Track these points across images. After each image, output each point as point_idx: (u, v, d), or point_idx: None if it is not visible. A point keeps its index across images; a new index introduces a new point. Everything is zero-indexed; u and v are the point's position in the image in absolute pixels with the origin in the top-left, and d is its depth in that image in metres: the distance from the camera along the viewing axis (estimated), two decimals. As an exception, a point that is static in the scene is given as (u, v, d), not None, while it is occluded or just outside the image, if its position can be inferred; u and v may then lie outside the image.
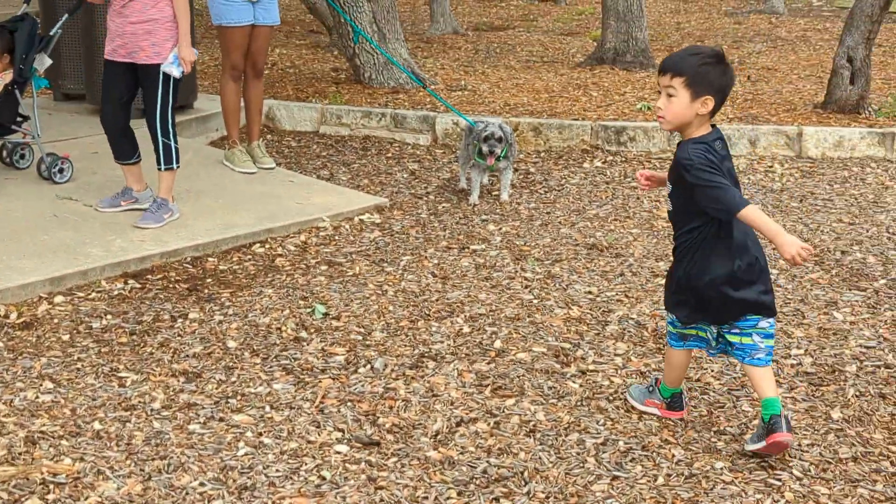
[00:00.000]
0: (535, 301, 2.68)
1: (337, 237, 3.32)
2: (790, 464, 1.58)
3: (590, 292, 2.72)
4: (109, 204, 3.18)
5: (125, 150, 3.15)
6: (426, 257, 3.13)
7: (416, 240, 3.33)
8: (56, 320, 2.46)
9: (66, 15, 3.46)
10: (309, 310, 2.58)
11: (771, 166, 4.28)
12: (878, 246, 3.21)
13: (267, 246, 3.16)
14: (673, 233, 1.80)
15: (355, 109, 4.86)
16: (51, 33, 3.53)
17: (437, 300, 2.69)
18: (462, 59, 6.93)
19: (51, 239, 2.98)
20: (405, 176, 4.28)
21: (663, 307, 1.89)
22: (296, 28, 8.50)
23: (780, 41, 8.04)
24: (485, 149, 3.46)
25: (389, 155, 4.68)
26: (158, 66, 2.91)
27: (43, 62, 3.49)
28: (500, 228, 3.47)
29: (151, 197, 3.18)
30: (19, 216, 3.21)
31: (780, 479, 1.53)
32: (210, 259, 3.01)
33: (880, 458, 1.62)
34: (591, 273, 2.91)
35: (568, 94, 5.51)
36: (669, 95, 1.59)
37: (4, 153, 3.71)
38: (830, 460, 1.60)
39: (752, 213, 1.50)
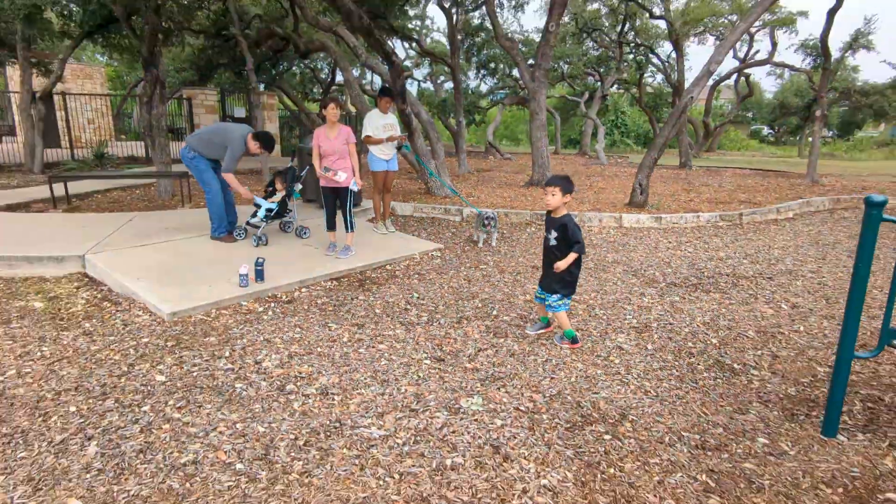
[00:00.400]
0: (510, 291, 4.76)
1: (421, 262, 5.71)
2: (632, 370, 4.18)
3: (534, 288, 4.92)
4: (329, 250, 5.64)
5: (332, 224, 5.70)
6: (461, 272, 5.38)
7: (456, 263, 5.67)
8: (302, 299, 4.50)
9: (308, 167, 6.25)
10: (410, 295, 4.66)
11: (608, 230, 7.37)
12: (660, 267, 5.62)
13: (391, 266, 5.54)
14: (549, 254, 3.56)
15: (427, 205, 8.08)
16: (301, 174, 6.20)
17: (465, 291, 4.75)
18: (472, 183, 11.23)
19: (301, 263, 5.26)
20: (449, 234, 7.02)
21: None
22: (402, 169, 13.41)
23: (605, 176, 13.65)
24: (485, 222, 6.23)
25: (443, 225, 7.51)
26: (348, 188, 5.51)
27: (298, 187, 6.14)
28: (493, 258, 5.87)
29: (344, 246, 5.56)
30: (287, 252, 5.55)
31: (627, 380, 3.75)
32: (368, 272, 5.33)
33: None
34: (534, 279, 5.15)
35: (518, 199, 9.07)
36: (553, 195, 3.39)
37: (281, 225, 6.34)
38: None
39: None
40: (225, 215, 5.86)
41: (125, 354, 3.53)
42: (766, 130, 40.74)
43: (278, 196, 5.99)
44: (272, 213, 5.84)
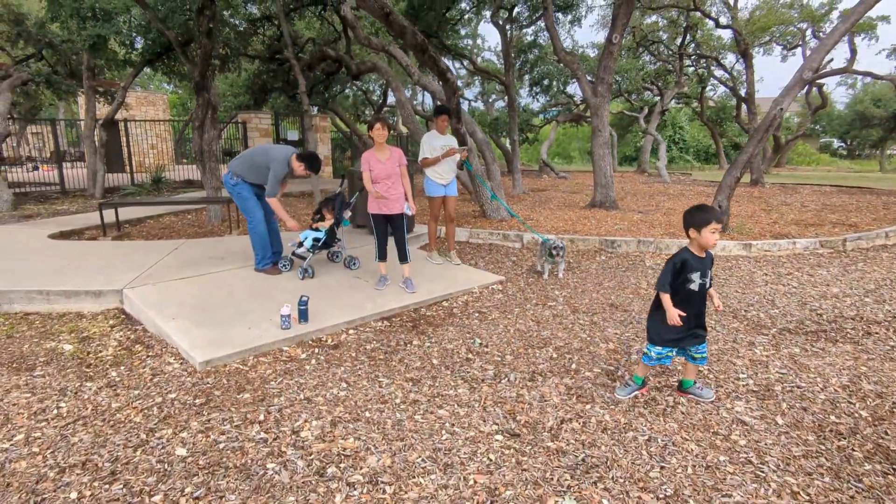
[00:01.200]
0: (588, 338, 4.04)
1: (481, 297, 5.09)
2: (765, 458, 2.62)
3: (616, 333, 4.16)
4: (379, 284, 5.06)
5: (384, 254, 5.11)
6: (527, 309, 4.71)
7: (520, 298, 5.01)
8: (349, 343, 3.93)
9: (357, 192, 5.72)
10: (471, 341, 3.98)
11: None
12: (763, 306, 4.76)
13: (447, 303, 4.92)
14: (699, 300, 2.89)
15: (483, 230, 7.45)
16: (350, 201, 5.63)
17: (535, 336, 4.06)
18: (529, 204, 10.51)
19: (349, 299, 4.74)
20: (510, 263, 6.35)
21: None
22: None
23: (671, 195, 12.56)
24: (552, 252, 5.51)
25: (502, 253, 6.87)
26: (402, 213, 4.98)
27: (347, 214, 5.56)
28: (562, 293, 5.17)
29: (405, 279, 5.05)
30: (334, 285, 5.04)
31: (763, 472, 2.49)
32: (422, 309, 4.74)
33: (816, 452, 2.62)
34: (614, 321, 4.43)
35: (581, 221, 8.25)
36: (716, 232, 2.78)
37: (330, 254, 5.86)
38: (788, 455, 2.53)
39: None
40: (269, 245, 5.39)
41: (147, 415, 3.02)
42: (836, 143, 38.11)
43: (326, 224, 5.46)
44: (319, 243, 5.31)
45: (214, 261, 5.82)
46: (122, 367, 3.66)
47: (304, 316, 4.18)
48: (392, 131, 24.68)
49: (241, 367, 3.64)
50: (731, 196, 7.34)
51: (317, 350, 3.93)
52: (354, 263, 5.70)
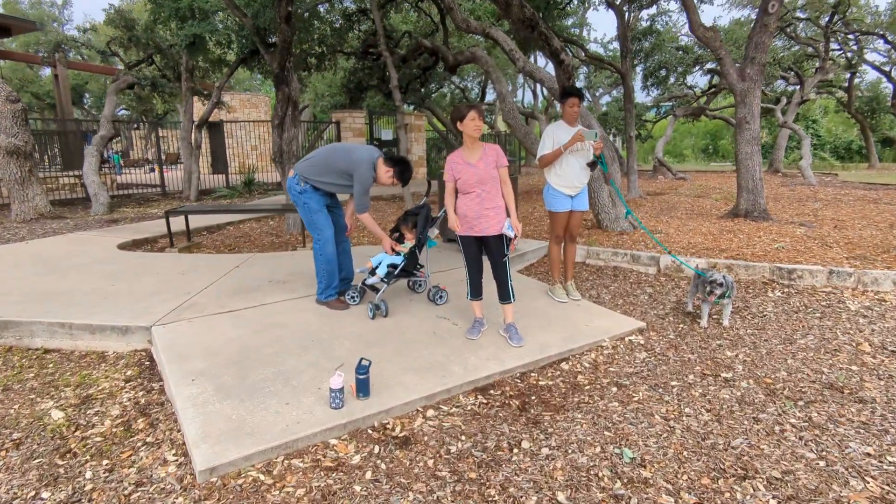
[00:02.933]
0: (822, 464, 2.37)
1: (616, 356, 3.50)
2: None
3: (868, 454, 2.42)
4: (473, 332, 3.66)
5: (479, 290, 3.72)
6: (690, 384, 3.11)
7: (675, 363, 3.40)
8: (426, 437, 2.62)
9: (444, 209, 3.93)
10: (615, 448, 2.50)
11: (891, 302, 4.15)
12: None
13: (569, 363, 3.40)
14: None
15: (605, 249, 5.75)
16: (438, 215, 4.24)
17: (722, 449, 2.47)
18: (650, 211, 8.55)
19: (430, 354, 3.33)
20: (645, 298, 4.68)
21: None
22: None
23: (826, 201, 9.74)
24: (714, 290, 3.84)
25: (632, 280, 5.20)
26: (501, 236, 3.52)
27: (433, 232, 4.20)
28: (737, 355, 3.48)
29: (507, 325, 3.65)
30: (412, 331, 3.67)
31: None
32: (532, 374, 3.25)
33: None
34: (852, 424, 2.68)
35: (724, 236, 6.27)
36: None
37: (410, 283, 4.59)
38: None
39: None
40: (336, 272, 4.11)
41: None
42: None
43: (406, 246, 4.08)
44: (396, 271, 3.96)
45: (275, 285, 4.66)
46: (104, 462, 2.49)
47: (363, 389, 2.83)
48: (490, 129, 22.94)
49: (261, 478, 2.33)
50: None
51: (377, 449, 2.57)
52: (441, 297, 4.33)
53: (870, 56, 19.59)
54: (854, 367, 3.32)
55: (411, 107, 17.27)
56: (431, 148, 19.78)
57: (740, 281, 5.06)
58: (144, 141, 26.82)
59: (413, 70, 13.89)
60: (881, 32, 16.63)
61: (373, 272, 4.12)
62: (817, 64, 17.60)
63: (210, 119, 12.08)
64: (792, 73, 18.33)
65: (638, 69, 17.75)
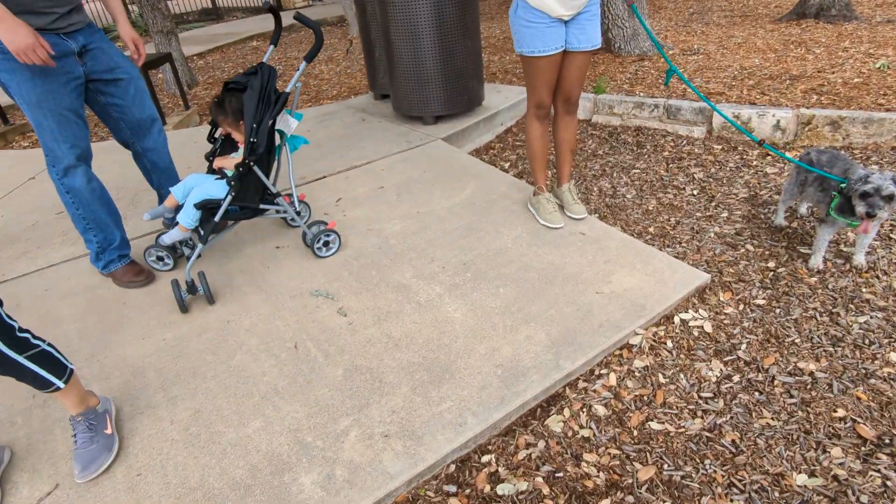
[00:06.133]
0: None
1: (662, 370, 1.68)
2: None
3: None
4: None
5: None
6: (813, 425, 1.41)
7: (780, 370, 1.62)
8: None
9: (304, 62, 1.96)
10: None
11: None
12: None
13: (566, 413, 1.56)
14: None
15: (627, 100, 3.50)
16: (287, 89, 1.98)
17: None
18: (674, 18, 5.91)
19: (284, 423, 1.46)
20: (694, 194, 2.67)
21: None
22: None
23: None
24: (861, 209, 1.81)
25: (666, 153, 3.13)
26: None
27: (290, 124, 2.06)
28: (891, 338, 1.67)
29: None
30: (252, 343, 1.85)
31: None
32: (481, 459, 1.44)
33: None
34: None
35: (791, 52, 4.03)
36: None
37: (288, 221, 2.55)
38: None
39: None
40: (110, 218, 2.11)
41: None
42: None
43: (230, 162, 2.05)
44: (220, 211, 1.99)
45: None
46: None
47: None
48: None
49: None
50: None
51: None
52: (327, 245, 2.32)
53: None
54: None
55: None
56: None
57: (851, 145, 2.99)
58: None
59: None
60: None
61: (173, 220, 2.04)
62: None
63: None
64: None
65: None
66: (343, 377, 1.65)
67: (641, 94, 3.63)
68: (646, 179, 2.89)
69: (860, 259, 2.06)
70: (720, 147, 3.15)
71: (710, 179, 2.81)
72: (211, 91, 5.63)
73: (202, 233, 1.96)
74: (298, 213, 2.27)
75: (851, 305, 1.88)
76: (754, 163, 2.93)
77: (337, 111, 4.12)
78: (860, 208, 1.82)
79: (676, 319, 1.88)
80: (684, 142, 3.28)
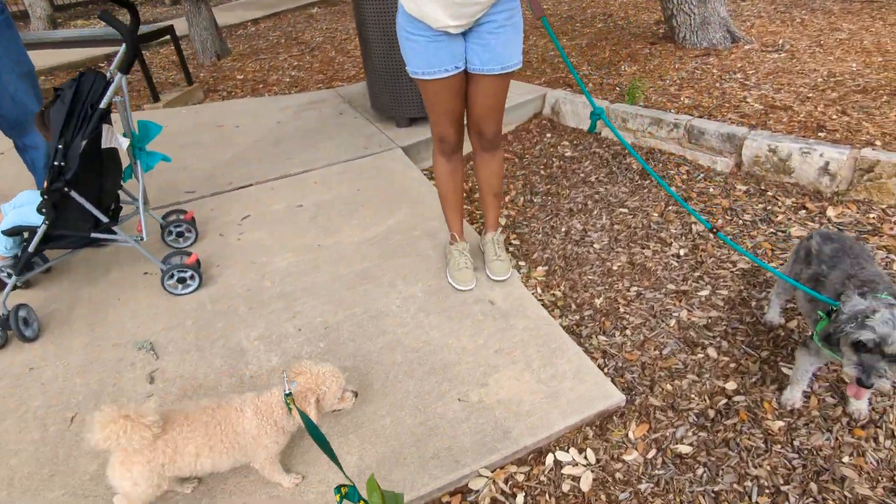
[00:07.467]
0: None
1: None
2: None
3: None
4: None
5: None
6: None
7: None
8: None
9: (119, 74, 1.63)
10: None
11: None
12: None
13: None
14: None
15: (644, 113, 2.83)
16: (102, 105, 1.61)
17: None
18: (775, 1, 4.78)
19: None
20: (681, 256, 2.01)
21: None
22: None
23: None
24: (850, 370, 1.14)
25: (681, 178, 2.48)
26: None
27: (118, 143, 1.69)
28: None
29: None
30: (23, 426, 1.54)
31: None
32: None
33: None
34: None
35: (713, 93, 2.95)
36: None
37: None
38: None
39: None
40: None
41: None
42: None
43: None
44: (34, 241, 1.72)
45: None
46: None
47: None
48: None
49: None
50: None
51: None
52: (185, 285, 1.98)
53: None
54: None
55: None
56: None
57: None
58: None
59: None
60: None
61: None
62: None
63: None
64: None
65: None
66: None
67: (672, 105, 2.92)
68: (629, 225, 2.26)
69: (860, 405, 1.38)
70: (744, 188, 2.40)
71: (709, 235, 2.10)
72: (240, 64, 5.41)
73: (11, 270, 1.68)
74: (139, 241, 1.87)
75: (823, 484, 1.23)
76: (780, 217, 2.19)
77: (323, 100, 3.75)
78: (849, 369, 1.14)
79: (549, 459, 1.35)
80: (701, 176, 2.56)
